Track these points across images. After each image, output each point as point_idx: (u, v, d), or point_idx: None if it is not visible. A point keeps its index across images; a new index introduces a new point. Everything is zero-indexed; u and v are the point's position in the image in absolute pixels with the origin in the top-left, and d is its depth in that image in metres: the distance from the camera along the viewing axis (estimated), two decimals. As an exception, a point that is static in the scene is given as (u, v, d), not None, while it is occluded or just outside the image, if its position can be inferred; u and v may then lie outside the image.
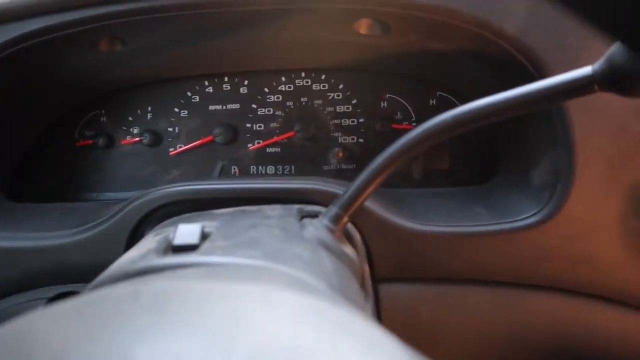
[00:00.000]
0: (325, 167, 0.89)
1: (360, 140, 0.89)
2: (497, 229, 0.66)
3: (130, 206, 0.70)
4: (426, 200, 0.75)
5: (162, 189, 0.70)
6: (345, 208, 0.57)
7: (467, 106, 0.52)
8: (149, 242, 0.55)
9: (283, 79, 0.90)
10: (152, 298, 0.29)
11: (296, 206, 0.64)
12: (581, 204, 0.63)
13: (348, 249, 0.58)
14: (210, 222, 0.58)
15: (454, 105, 0.87)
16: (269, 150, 0.91)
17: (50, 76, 0.82)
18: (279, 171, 0.91)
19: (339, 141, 0.89)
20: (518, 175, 0.74)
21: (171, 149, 0.92)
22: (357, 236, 0.65)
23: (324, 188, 0.67)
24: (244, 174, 0.91)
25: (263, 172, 0.91)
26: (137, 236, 0.71)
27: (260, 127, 0.91)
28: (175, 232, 0.53)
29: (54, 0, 0.68)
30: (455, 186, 0.82)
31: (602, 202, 0.63)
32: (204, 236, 0.53)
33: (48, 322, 0.26)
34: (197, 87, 0.91)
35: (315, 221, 0.58)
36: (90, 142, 0.93)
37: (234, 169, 0.91)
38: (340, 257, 0.55)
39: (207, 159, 0.92)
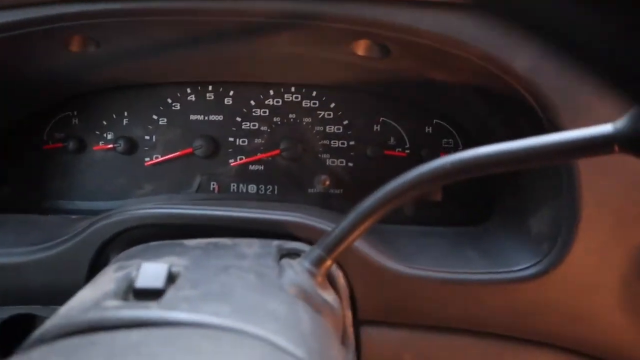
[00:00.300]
0: (311, 190, 0.84)
1: (350, 164, 0.84)
2: (491, 278, 0.62)
3: (96, 226, 0.64)
4: (416, 239, 0.70)
5: (131, 210, 0.64)
6: (329, 250, 0.52)
7: (469, 153, 0.47)
8: (108, 280, 0.49)
9: (271, 92, 0.84)
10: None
11: (275, 243, 0.58)
12: (582, 260, 0.58)
13: (330, 296, 0.53)
14: (178, 258, 0.52)
15: (450, 135, 0.83)
16: (251, 167, 0.85)
17: (16, 73, 0.76)
18: (261, 191, 0.85)
19: (327, 164, 0.84)
20: (515, 221, 0.69)
21: (147, 159, 0.86)
22: (340, 279, 0.59)
23: (307, 222, 0.62)
24: (224, 191, 0.85)
25: (244, 190, 0.85)
26: (102, 258, 0.65)
27: (243, 142, 0.85)
28: (138, 271, 0.47)
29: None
30: (447, 226, 0.77)
31: (605, 260, 0.58)
32: (171, 278, 0.48)
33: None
34: (179, 95, 0.85)
35: (295, 263, 0.53)
36: (60, 145, 0.86)
37: (213, 185, 0.85)
38: (321, 308, 0.50)
39: (185, 172, 0.86)
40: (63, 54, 0.70)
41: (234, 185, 0.85)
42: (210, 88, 0.85)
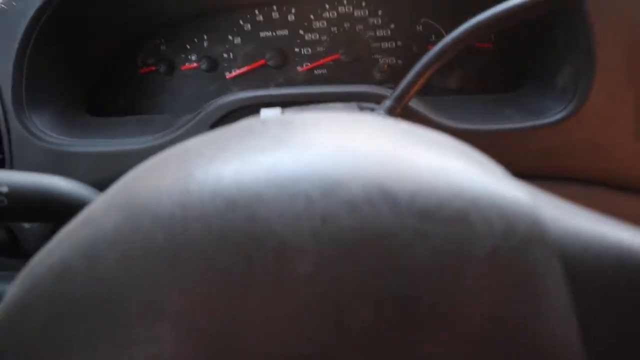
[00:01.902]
0: (368, 86, 0.99)
1: (399, 61, 0.98)
2: (525, 125, 0.76)
3: (205, 111, 0.81)
4: (462, 104, 0.85)
5: (232, 95, 0.80)
6: (399, 101, 0.68)
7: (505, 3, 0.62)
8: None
9: (327, 6, 0.99)
10: (277, 123, 0.35)
11: (354, 103, 0.74)
12: (601, 100, 0.72)
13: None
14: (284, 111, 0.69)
15: (484, 28, 0.97)
16: (316, 72, 1.00)
17: (120, 12, 0.92)
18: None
19: (380, 62, 0.98)
20: (545, 83, 0.83)
21: (227, 73, 1.02)
22: (406, 130, 0.75)
23: (375, 91, 0.77)
24: (295, 93, 1.01)
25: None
26: (211, 138, 0.81)
27: (307, 51, 1.00)
28: (259, 115, 0.64)
29: None
30: (487, 94, 0.91)
31: (621, 97, 0.72)
32: (283, 120, 0.64)
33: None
34: (249, 16, 1.01)
35: (373, 113, 0.69)
36: (153, 68, 1.03)
37: (285, 89, 1.01)
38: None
39: (261, 80, 1.01)
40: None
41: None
42: (275, 8, 1.00)
